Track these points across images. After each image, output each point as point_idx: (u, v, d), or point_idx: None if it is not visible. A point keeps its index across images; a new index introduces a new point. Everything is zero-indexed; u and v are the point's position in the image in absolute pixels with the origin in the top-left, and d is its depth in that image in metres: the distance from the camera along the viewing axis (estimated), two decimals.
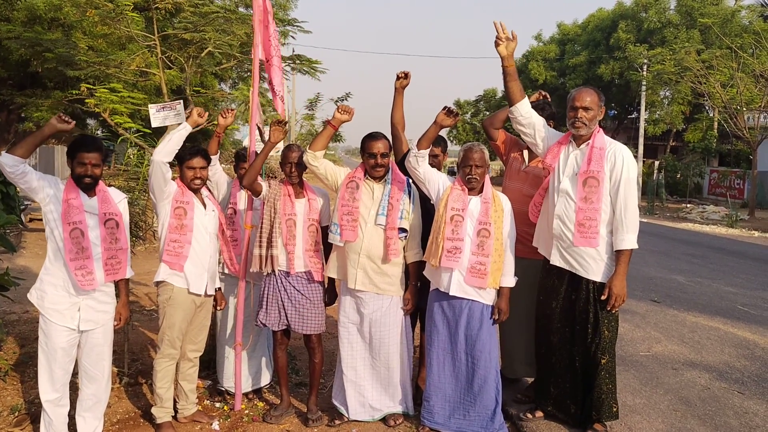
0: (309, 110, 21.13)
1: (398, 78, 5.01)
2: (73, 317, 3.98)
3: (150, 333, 6.68)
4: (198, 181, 4.51)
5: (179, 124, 4.59)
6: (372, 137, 4.63)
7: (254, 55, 4.87)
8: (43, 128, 3.87)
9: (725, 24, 30.39)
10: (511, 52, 4.40)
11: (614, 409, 4.42)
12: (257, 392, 5.28)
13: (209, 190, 4.86)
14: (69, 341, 4.00)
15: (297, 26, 8.07)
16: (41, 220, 4.05)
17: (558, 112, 5.20)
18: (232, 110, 4.94)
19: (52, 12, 13.86)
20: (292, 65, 9.02)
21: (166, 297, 4.47)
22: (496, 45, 4.40)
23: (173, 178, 4.49)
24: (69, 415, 4.18)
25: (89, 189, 4.01)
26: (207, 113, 4.55)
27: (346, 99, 19.47)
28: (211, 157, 4.84)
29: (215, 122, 4.99)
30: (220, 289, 4.83)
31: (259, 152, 4.78)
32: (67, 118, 3.82)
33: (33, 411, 4.70)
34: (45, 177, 3.95)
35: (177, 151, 4.40)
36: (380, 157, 4.56)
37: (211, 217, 4.60)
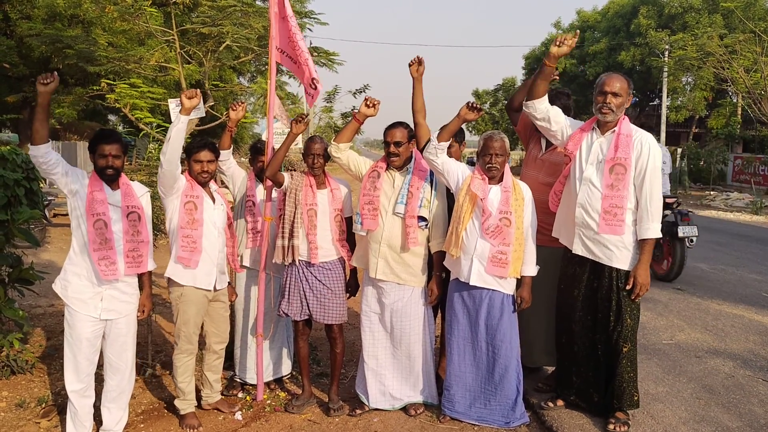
0: (327, 102, 21.17)
1: (411, 65, 4.75)
2: (95, 306, 4.04)
3: (173, 325, 6.74)
4: (206, 175, 4.51)
5: (199, 118, 4.61)
6: (390, 126, 4.65)
7: (271, 48, 4.88)
8: (38, 101, 3.77)
9: (748, 8, 29.82)
10: (560, 55, 4.38)
11: (635, 398, 4.40)
12: (279, 382, 5.33)
13: (217, 184, 4.88)
14: (93, 331, 4.07)
15: (314, 18, 8.07)
16: (65, 215, 4.13)
17: (579, 100, 5.16)
18: (242, 103, 4.93)
19: (72, 9, 13.98)
20: None
21: (178, 294, 4.51)
22: (554, 43, 4.36)
23: (182, 172, 4.51)
24: (94, 406, 4.25)
25: (112, 181, 4.07)
26: (198, 91, 4.34)
27: (364, 91, 19.43)
28: (224, 151, 4.86)
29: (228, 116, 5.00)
30: (229, 283, 4.86)
31: (277, 144, 4.81)
32: (47, 76, 3.68)
33: (59, 402, 4.78)
34: (72, 170, 4.01)
35: (182, 145, 4.34)
36: (393, 145, 4.56)
37: (220, 212, 4.62)
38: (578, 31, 4.43)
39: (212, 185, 4.66)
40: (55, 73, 3.76)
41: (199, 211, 4.45)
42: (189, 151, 4.50)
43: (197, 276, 4.47)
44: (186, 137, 4.61)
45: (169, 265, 4.50)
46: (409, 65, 4.74)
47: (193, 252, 4.42)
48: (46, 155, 3.79)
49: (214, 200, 4.59)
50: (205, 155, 4.49)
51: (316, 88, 4.76)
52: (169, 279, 4.52)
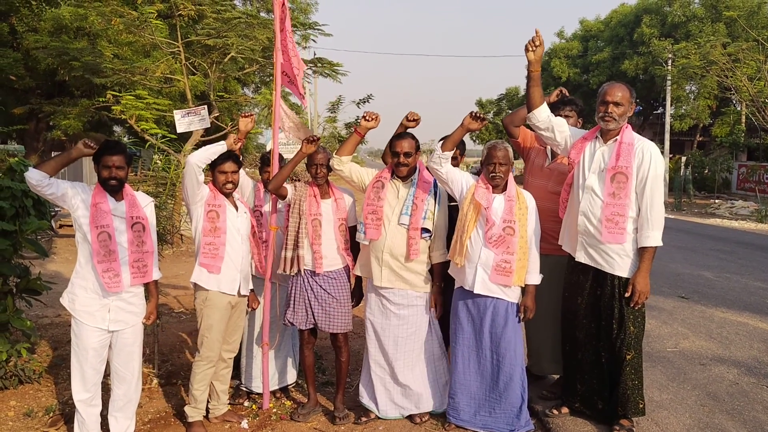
0: (331, 113, 21.25)
1: (410, 120, 4.84)
2: (103, 318, 4.08)
3: (179, 335, 6.79)
4: (230, 185, 4.59)
5: (204, 129, 4.66)
6: (398, 136, 4.68)
7: (276, 59, 4.94)
8: (71, 151, 4.07)
9: (751, 16, 29.91)
10: (539, 57, 4.40)
11: (640, 405, 4.40)
12: (284, 391, 5.35)
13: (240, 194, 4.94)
14: (100, 342, 4.11)
15: (318, 29, 8.14)
16: (71, 225, 4.17)
17: (583, 109, 5.20)
18: (251, 114, 5.00)
19: (78, 21, 14.03)
20: (313, 68, 9.07)
21: (203, 298, 4.56)
22: (526, 50, 4.41)
23: (205, 182, 4.59)
24: (102, 415, 4.28)
25: (116, 192, 4.12)
26: (241, 143, 4.71)
27: (367, 101, 19.48)
28: None
29: (237, 127, 5.07)
30: (252, 290, 4.91)
31: (282, 154, 4.86)
32: (92, 144, 4.01)
33: (67, 411, 4.81)
34: (73, 185, 4.08)
35: (209, 162, 4.53)
36: (403, 156, 4.60)
37: (243, 219, 4.69)
38: (537, 28, 4.45)
39: (235, 194, 4.74)
40: (98, 147, 4.05)
41: (221, 219, 4.53)
42: (213, 163, 4.57)
43: (221, 281, 4.53)
44: (191, 148, 4.68)
45: (194, 271, 4.57)
46: (408, 119, 4.85)
47: (215, 258, 4.50)
48: (41, 181, 3.91)
49: (237, 208, 4.66)
50: (229, 166, 4.57)
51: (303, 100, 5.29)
52: (194, 284, 4.59)
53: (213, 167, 4.59)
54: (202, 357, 4.59)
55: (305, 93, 5.19)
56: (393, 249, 4.60)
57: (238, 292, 4.64)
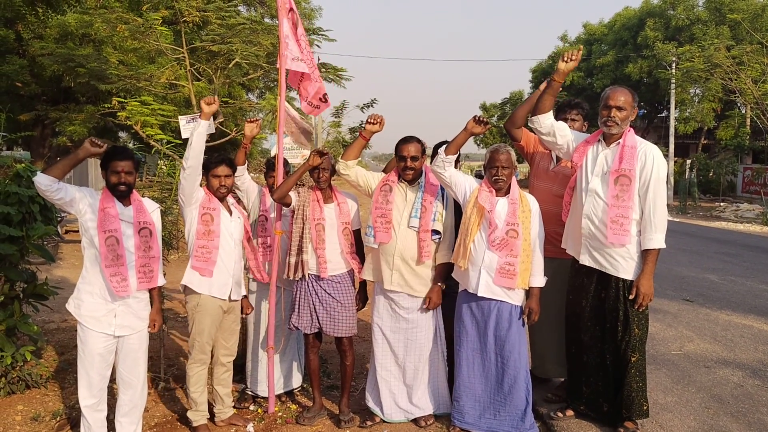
0: (335, 118, 21.28)
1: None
2: (109, 323, 4.10)
3: (184, 339, 6.81)
4: (223, 189, 4.62)
5: (209, 134, 4.67)
6: (404, 140, 4.70)
7: (280, 65, 4.96)
8: (78, 152, 4.02)
9: (755, 19, 29.94)
10: (568, 71, 4.46)
11: (645, 408, 4.41)
12: (290, 395, 5.37)
13: (236, 198, 4.96)
14: (106, 347, 4.13)
15: (322, 35, 8.14)
16: (77, 231, 4.20)
17: (589, 113, 5.23)
18: (257, 120, 5.02)
19: (84, 28, 14.06)
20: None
21: (194, 304, 4.59)
22: (562, 59, 4.45)
23: (201, 185, 4.61)
24: (108, 419, 4.30)
25: (124, 197, 4.14)
26: (215, 97, 4.51)
27: (371, 106, 19.49)
28: (239, 167, 4.94)
29: (243, 133, 5.09)
30: (246, 296, 4.93)
31: (287, 159, 4.88)
32: (99, 142, 3.97)
33: (73, 416, 4.84)
34: (80, 189, 4.09)
35: (203, 150, 4.47)
36: (410, 159, 4.63)
37: (237, 224, 4.71)
38: (581, 46, 4.49)
39: (230, 198, 4.77)
40: (106, 145, 4.01)
41: (215, 223, 4.55)
42: (207, 167, 4.60)
43: (213, 285, 4.56)
44: None
45: (185, 273, 4.58)
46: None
47: (207, 262, 4.52)
48: (50, 186, 3.89)
49: (230, 213, 4.69)
50: (222, 170, 4.60)
51: (326, 102, 5.06)
52: (185, 287, 4.60)
53: (206, 171, 4.60)
54: (194, 359, 4.63)
55: (327, 99, 5.04)
56: (404, 252, 4.62)
57: (229, 297, 4.66)
